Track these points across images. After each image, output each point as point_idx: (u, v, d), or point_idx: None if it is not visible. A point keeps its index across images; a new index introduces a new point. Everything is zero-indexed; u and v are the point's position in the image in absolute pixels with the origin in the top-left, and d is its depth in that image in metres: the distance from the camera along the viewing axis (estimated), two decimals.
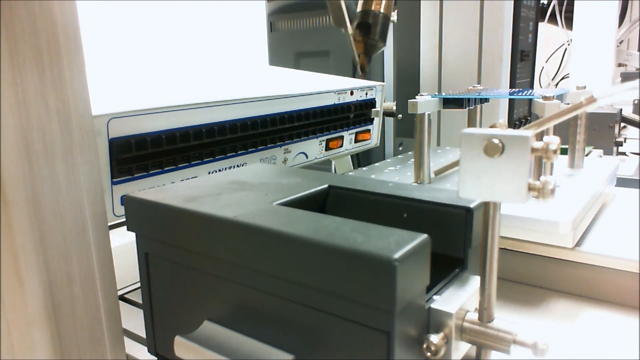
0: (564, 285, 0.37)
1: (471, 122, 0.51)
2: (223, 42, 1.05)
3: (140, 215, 0.28)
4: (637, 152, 0.96)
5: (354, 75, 0.75)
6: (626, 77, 1.27)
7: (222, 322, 0.25)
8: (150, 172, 0.38)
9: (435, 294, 0.24)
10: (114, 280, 0.28)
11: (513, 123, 0.67)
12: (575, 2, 1.22)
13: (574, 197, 0.39)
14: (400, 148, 0.84)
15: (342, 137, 0.60)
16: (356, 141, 0.63)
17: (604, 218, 0.44)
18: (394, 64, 0.82)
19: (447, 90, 0.64)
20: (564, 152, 0.46)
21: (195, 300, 0.27)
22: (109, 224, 0.31)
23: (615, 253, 0.35)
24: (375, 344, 0.20)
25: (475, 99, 0.49)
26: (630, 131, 1.10)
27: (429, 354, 0.22)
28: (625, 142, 0.96)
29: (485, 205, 0.22)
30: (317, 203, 0.30)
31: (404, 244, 0.19)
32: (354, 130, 0.62)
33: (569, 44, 1.39)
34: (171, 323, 0.29)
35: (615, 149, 0.92)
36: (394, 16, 0.75)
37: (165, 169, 0.40)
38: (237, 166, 0.46)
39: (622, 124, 1.02)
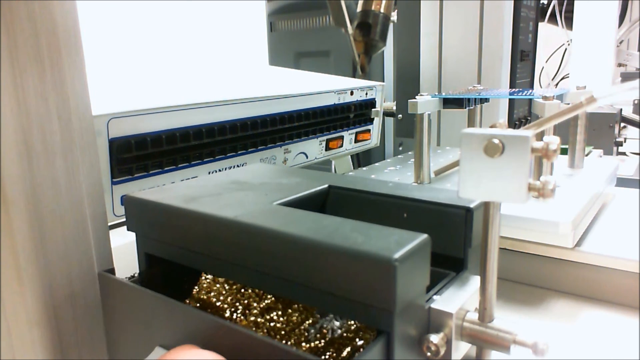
0: (564, 285, 0.37)
1: (471, 122, 0.51)
2: (223, 42, 1.05)
3: (140, 215, 0.28)
4: (637, 152, 0.96)
5: (354, 75, 0.75)
6: (626, 77, 1.27)
7: None
8: (150, 172, 0.38)
9: (435, 294, 0.24)
10: None
11: (513, 123, 0.67)
12: (575, 2, 1.21)
13: (574, 197, 0.39)
14: (400, 148, 0.84)
15: (342, 137, 0.60)
16: (356, 141, 0.63)
17: (604, 218, 0.44)
18: (394, 64, 0.82)
19: (447, 90, 0.64)
20: (564, 152, 0.46)
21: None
22: (109, 224, 0.31)
23: (615, 253, 0.35)
24: (376, 344, 0.20)
25: (475, 99, 0.49)
26: (630, 131, 1.10)
27: (429, 354, 0.22)
28: (625, 142, 0.96)
29: (485, 205, 0.22)
30: (317, 203, 0.30)
31: (404, 244, 0.19)
32: (354, 130, 0.62)
33: (569, 44, 1.39)
34: None
35: (615, 149, 0.92)
36: (394, 16, 0.75)
37: (165, 169, 0.40)
38: (237, 166, 0.46)
39: (622, 124, 1.02)
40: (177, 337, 0.23)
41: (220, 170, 0.45)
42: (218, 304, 0.25)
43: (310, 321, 0.22)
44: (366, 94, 0.61)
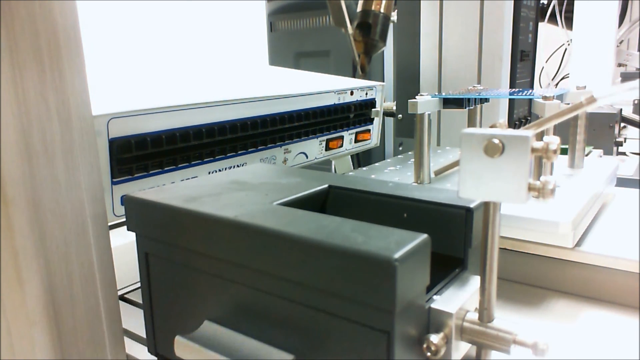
0: (564, 285, 0.37)
1: (471, 122, 0.51)
2: (223, 42, 1.05)
3: (140, 215, 0.28)
4: (637, 152, 0.96)
5: (354, 75, 0.75)
6: (626, 77, 1.27)
7: (222, 322, 0.25)
8: (150, 172, 0.38)
9: (435, 294, 0.24)
10: (114, 280, 0.28)
11: (513, 123, 0.67)
12: (575, 2, 1.21)
13: (574, 197, 0.39)
14: (400, 148, 0.84)
15: (342, 137, 0.60)
16: (356, 141, 0.63)
17: (604, 218, 0.44)
18: (394, 64, 0.82)
19: (447, 90, 0.64)
20: (564, 152, 0.46)
21: (196, 300, 0.27)
22: (109, 224, 0.31)
23: (615, 253, 0.35)
24: (376, 344, 0.20)
25: (475, 99, 0.49)
26: (630, 131, 1.10)
27: (429, 354, 0.22)
28: (625, 142, 0.96)
29: (485, 205, 0.22)
30: (317, 203, 0.30)
31: (404, 244, 0.19)
32: (354, 130, 0.62)
33: (569, 44, 1.39)
34: (171, 323, 0.29)
35: (615, 149, 0.91)
36: (394, 16, 0.75)
37: (165, 169, 0.40)
38: (237, 166, 0.46)
39: (622, 124, 1.02)
40: (226, 311, 0.25)
41: (220, 170, 0.45)
42: None
43: None
44: (366, 94, 0.61)
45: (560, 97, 0.42)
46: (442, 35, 0.68)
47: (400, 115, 0.75)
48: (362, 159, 0.84)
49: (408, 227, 0.21)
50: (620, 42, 1.35)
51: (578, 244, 0.37)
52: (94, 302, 0.27)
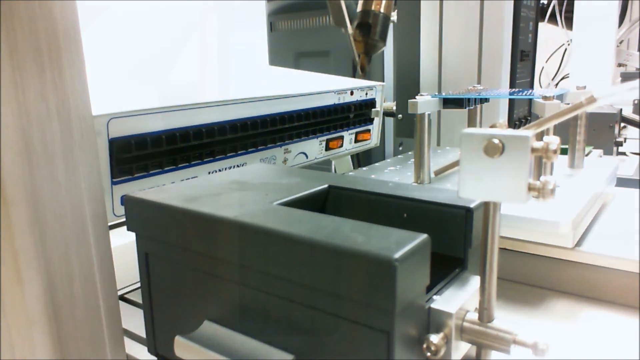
0: (564, 285, 0.37)
1: (471, 122, 0.51)
2: (223, 42, 1.05)
3: (140, 215, 0.28)
4: (637, 152, 0.96)
5: (354, 75, 0.75)
6: (626, 77, 1.27)
7: (222, 322, 0.25)
8: (150, 172, 0.38)
9: (435, 294, 0.24)
10: (114, 280, 0.28)
11: (513, 123, 0.67)
12: (575, 2, 1.22)
13: (574, 197, 0.39)
14: (400, 148, 0.84)
15: (342, 137, 0.60)
16: (356, 141, 0.63)
17: (604, 218, 0.44)
18: (394, 64, 0.82)
19: (447, 90, 0.64)
20: (564, 152, 0.46)
21: (195, 300, 0.27)
22: (109, 224, 0.31)
23: (615, 253, 0.35)
24: (376, 344, 0.20)
25: (475, 99, 0.49)
26: (630, 131, 1.10)
27: (429, 354, 0.22)
28: (625, 142, 0.96)
29: (485, 205, 0.22)
30: (317, 203, 0.30)
31: (404, 244, 0.19)
32: (354, 130, 0.62)
33: (569, 44, 1.39)
34: (171, 323, 0.29)
35: (615, 149, 0.92)
36: (394, 16, 0.75)
37: (165, 169, 0.40)
38: (237, 166, 0.46)
39: (622, 124, 1.02)
40: (226, 311, 0.25)
41: (220, 170, 0.45)
42: None
43: None
44: (366, 94, 0.61)
45: (560, 97, 0.42)
46: (442, 35, 0.68)
47: (400, 115, 0.75)
48: (362, 159, 0.84)
49: (408, 227, 0.21)
50: (620, 42, 1.35)
51: (578, 244, 0.37)
52: (94, 302, 0.27)
